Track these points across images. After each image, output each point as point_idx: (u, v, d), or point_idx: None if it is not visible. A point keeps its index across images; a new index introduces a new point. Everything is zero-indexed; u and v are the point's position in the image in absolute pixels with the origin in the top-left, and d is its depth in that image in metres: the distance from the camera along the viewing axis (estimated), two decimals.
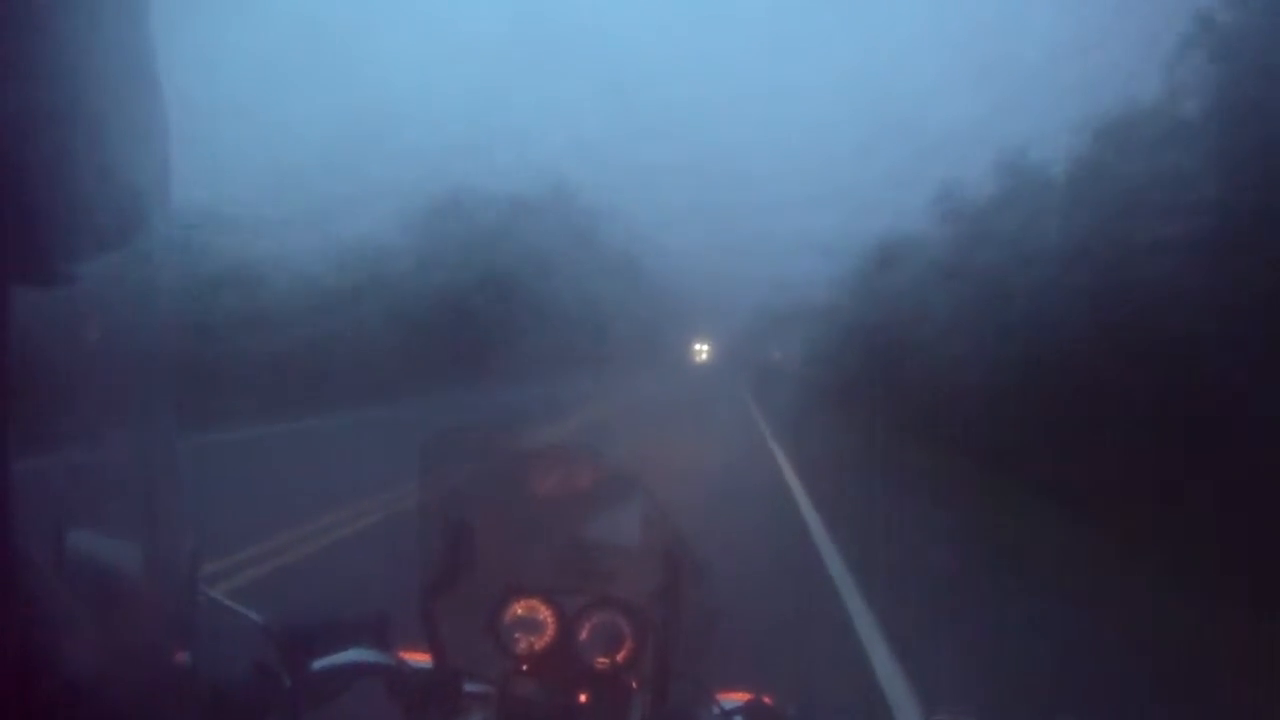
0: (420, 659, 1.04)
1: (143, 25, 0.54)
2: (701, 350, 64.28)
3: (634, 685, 1.04)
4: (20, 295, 0.45)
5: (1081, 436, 8.91)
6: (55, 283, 0.48)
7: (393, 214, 20.09)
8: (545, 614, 1.07)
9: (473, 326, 21.79)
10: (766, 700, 1.04)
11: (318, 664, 0.94)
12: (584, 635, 1.05)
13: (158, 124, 0.56)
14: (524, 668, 1.05)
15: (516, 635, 1.06)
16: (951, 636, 4.33)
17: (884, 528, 6.51)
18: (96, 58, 0.50)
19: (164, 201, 0.57)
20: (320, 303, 15.92)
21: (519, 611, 1.07)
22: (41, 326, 0.47)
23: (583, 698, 1.02)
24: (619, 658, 1.04)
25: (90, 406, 0.52)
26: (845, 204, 31.69)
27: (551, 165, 29.91)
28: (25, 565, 0.46)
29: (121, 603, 0.54)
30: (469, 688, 1.03)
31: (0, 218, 0.44)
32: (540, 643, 1.06)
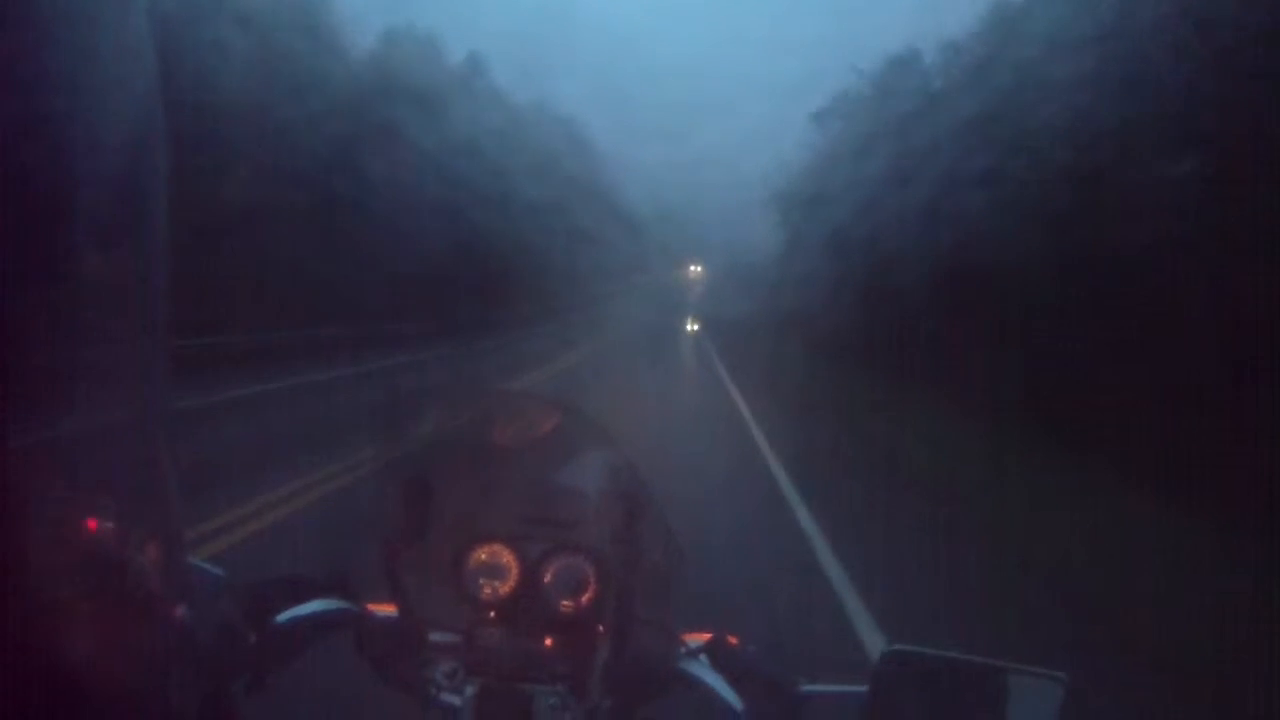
0: (386, 610, 1.04)
1: (142, 26, 0.54)
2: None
3: (599, 628, 1.05)
4: (20, 295, 0.45)
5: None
6: (55, 283, 0.48)
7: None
8: (508, 559, 1.07)
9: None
10: (730, 639, 1.07)
11: (282, 617, 0.94)
12: (547, 580, 1.06)
13: (157, 124, 0.56)
14: (490, 614, 1.06)
15: (481, 582, 1.07)
16: None
17: None
18: (96, 59, 0.51)
19: (164, 201, 0.57)
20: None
21: (482, 558, 1.07)
22: (42, 324, 0.48)
23: (548, 642, 1.03)
24: (583, 601, 1.05)
25: (86, 397, 0.52)
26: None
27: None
28: (19, 539, 0.46)
29: (119, 572, 0.55)
30: (435, 637, 1.04)
31: (0, 218, 0.44)
32: (504, 588, 1.07)
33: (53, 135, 0.47)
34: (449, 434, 1.15)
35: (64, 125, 0.48)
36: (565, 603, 1.06)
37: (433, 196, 19.44)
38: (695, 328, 38.89)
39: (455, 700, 0.98)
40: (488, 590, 1.07)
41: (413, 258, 19.11)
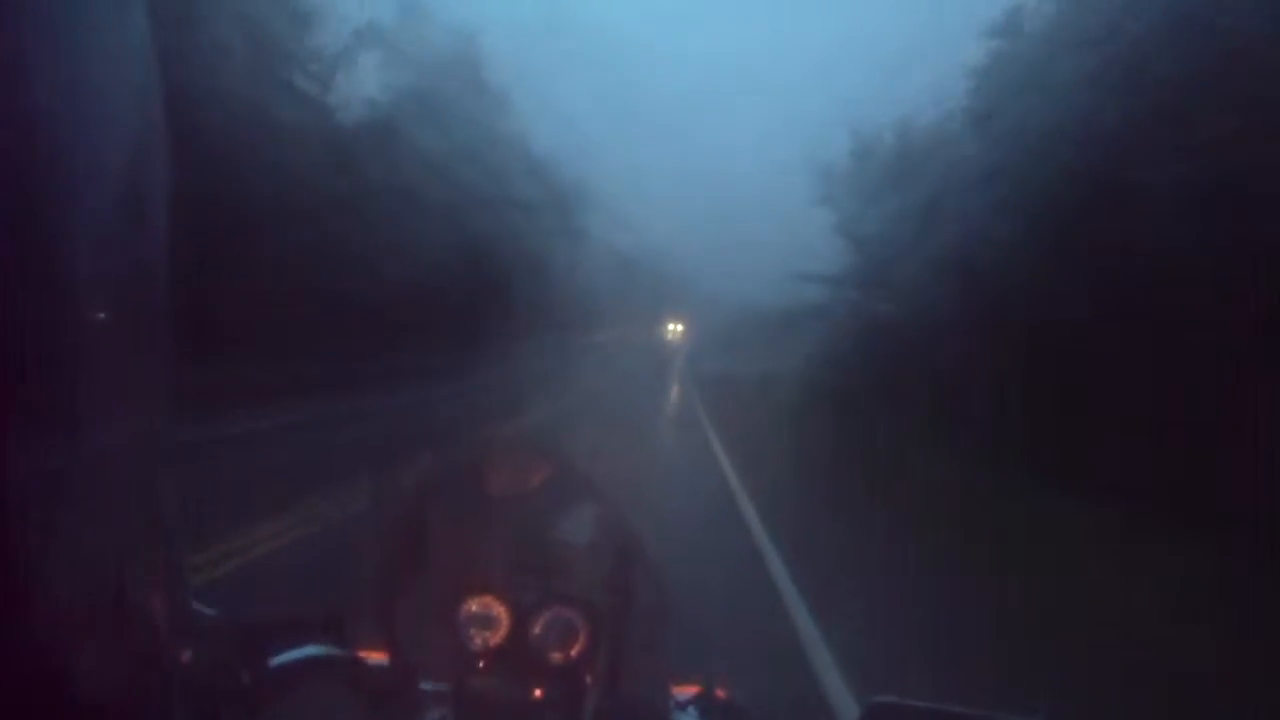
0: (378, 657, 1.05)
1: (142, 25, 0.54)
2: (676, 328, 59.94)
3: (588, 680, 1.05)
4: (20, 294, 0.45)
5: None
6: (55, 282, 0.48)
7: None
8: (499, 610, 1.08)
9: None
10: (719, 693, 1.07)
11: (275, 660, 0.95)
12: (538, 631, 1.07)
13: (157, 124, 0.56)
14: (480, 664, 1.07)
15: (471, 632, 1.08)
16: None
17: None
18: (95, 58, 0.50)
19: (163, 201, 0.57)
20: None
21: (473, 608, 1.08)
22: (41, 325, 0.47)
23: (538, 693, 1.04)
24: (573, 653, 1.06)
25: (86, 401, 0.52)
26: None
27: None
28: (24, 562, 0.46)
29: (120, 600, 0.54)
30: (425, 685, 1.04)
31: (0, 218, 0.44)
32: (495, 639, 1.07)
33: (53, 135, 0.47)
34: (441, 483, 1.16)
35: (64, 125, 0.48)
36: (555, 654, 1.06)
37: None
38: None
39: None
40: (478, 640, 1.07)
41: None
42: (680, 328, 60.25)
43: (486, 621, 1.08)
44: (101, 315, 0.52)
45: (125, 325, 0.55)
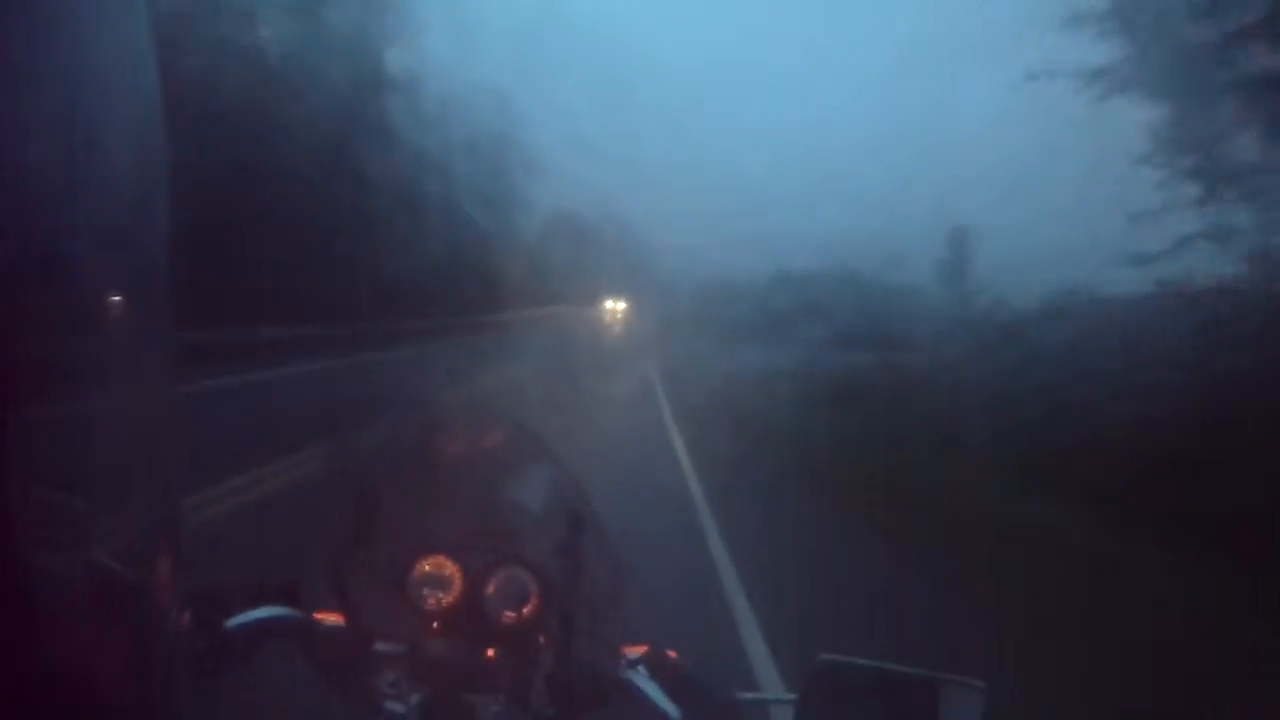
0: (333, 619, 1.06)
1: (142, 25, 0.54)
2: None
3: (541, 640, 1.07)
4: (20, 295, 0.45)
5: None
6: (55, 283, 0.48)
7: None
8: (452, 570, 1.09)
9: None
10: (669, 654, 1.10)
11: (230, 623, 0.96)
12: (490, 591, 1.09)
13: (157, 124, 0.56)
14: (434, 625, 1.08)
15: (425, 593, 1.09)
16: None
17: None
18: (96, 59, 0.50)
19: (163, 201, 0.57)
20: None
21: (426, 569, 1.09)
22: (43, 321, 0.48)
23: (491, 653, 1.06)
24: (525, 613, 1.08)
25: (89, 393, 0.52)
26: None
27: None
28: (22, 547, 0.46)
29: (121, 576, 0.54)
30: (381, 646, 1.06)
31: (0, 218, 0.44)
32: (448, 599, 1.09)
33: (53, 135, 0.47)
34: (396, 445, 1.17)
35: (64, 125, 0.48)
36: (508, 614, 1.08)
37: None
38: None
39: (400, 709, 1.01)
40: (431, 601, 1.09)
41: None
42: (620, 306, 45.80)
43: (439, 582, 1.09)
44: (104, 311, 0.53)
45: (126, 321, 0.55)
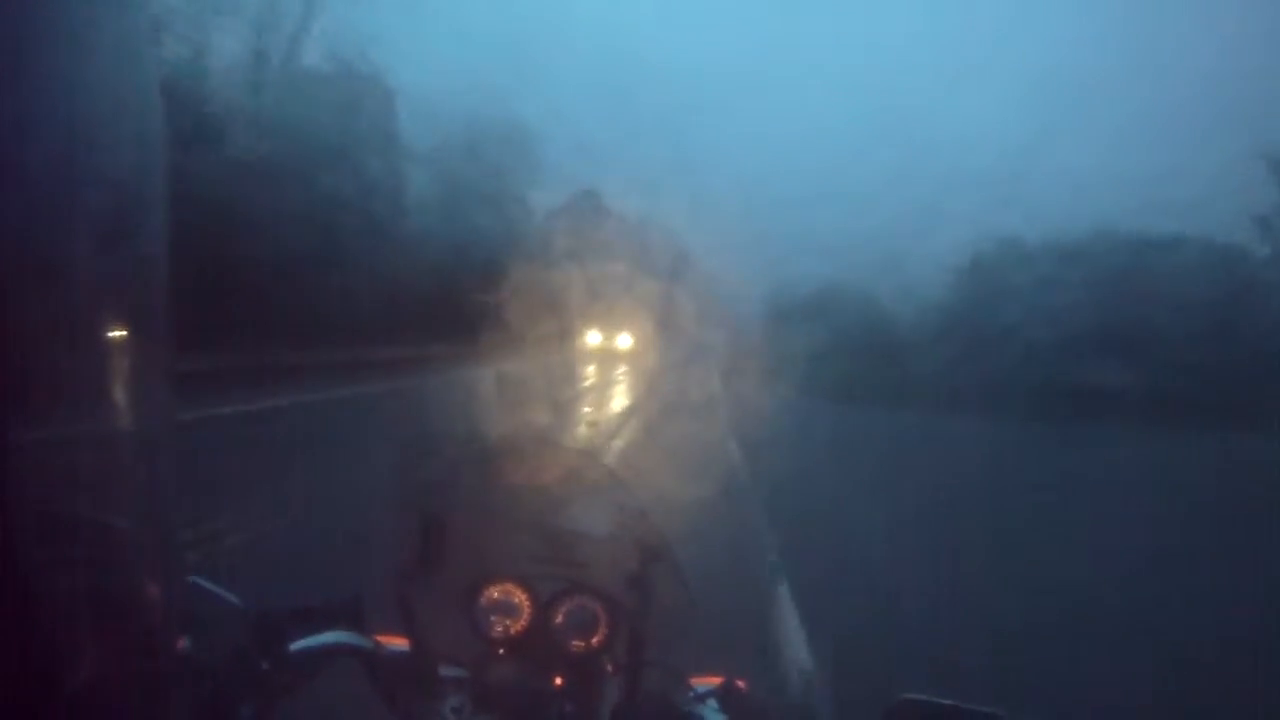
0: (397, 643, 1.05)
1: (141, 25, 0.55)
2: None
3: (609, 669, 1.06)
4: (20, 295, 0.45)
5: None
6: (55, 283, 0.48)
7: None
8: (520, 598, 1.08)
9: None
10: (739, 684, 1.07)
11: (295, 646, 0.95)
12: (559, 620, 1.07)
13: (157, 124, 0.56)
14: (499, 652, 1.07)
15: (492, 619, 1.08)
16: None
17: None
18: (95, 59, 0.50)
19: (163, 201, 0.57)
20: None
21: (494, 595, 1.08)
22: (41, 325, 0.47)
23: (558, 681, 1.04)
24: (593, 642, 1.06)
25: (87, 396, 0.52)
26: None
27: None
28: (22, 555, 0.46)
29: (119, 590, 0.54)
30: (445, 671, 1.05)
31: (0, 218, 0.44)
32: (516, 626, 1.07)
33: (53, 135, 0.47)
34: (462, 472, 1.16)
35: (64, 125, 0.48)
36: (576, 643, 1.06)
37: None
38: None
39: None
40: (499, 628, 1.08)
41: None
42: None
43: (507, 609, 1.08)
44: (102, 312, 0.52)
45: (126, 321, 0.55)
